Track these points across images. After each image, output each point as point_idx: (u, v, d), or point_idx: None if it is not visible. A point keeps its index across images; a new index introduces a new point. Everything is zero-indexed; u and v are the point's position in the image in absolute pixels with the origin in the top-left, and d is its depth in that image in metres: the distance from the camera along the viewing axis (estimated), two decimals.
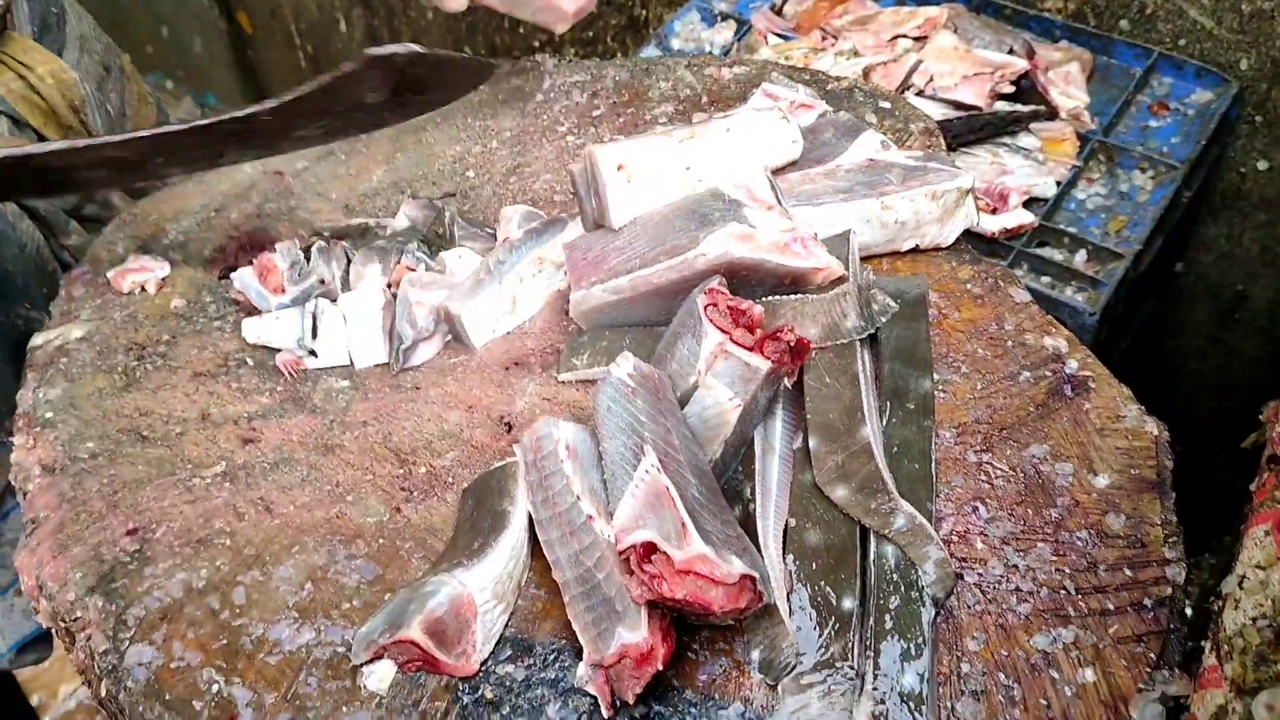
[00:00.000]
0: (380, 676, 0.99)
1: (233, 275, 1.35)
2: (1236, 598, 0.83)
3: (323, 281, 1.33)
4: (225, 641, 1.02)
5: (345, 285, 1.36)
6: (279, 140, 1.36)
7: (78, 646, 1.06)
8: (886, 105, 1.54)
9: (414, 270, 1.34)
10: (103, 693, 1.03)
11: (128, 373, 1.29)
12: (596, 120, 1.60)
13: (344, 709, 0.97)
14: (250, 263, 1.36)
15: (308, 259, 1.35)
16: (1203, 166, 1.92)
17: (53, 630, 1.12)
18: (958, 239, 1.36)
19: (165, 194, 1.57)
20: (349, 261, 1.37)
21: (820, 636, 0.98)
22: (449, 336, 1.32)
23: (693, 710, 0.96)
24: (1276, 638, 0.77)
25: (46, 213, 1.50)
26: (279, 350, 1.31)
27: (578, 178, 1.30)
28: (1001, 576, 1.03)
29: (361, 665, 1.00)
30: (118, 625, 1.04)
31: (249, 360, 1.31)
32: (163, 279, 1.41)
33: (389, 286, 1.34)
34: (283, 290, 1.32)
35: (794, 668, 0.97)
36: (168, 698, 0.98)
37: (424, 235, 1.42)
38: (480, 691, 0.98)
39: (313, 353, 1.30)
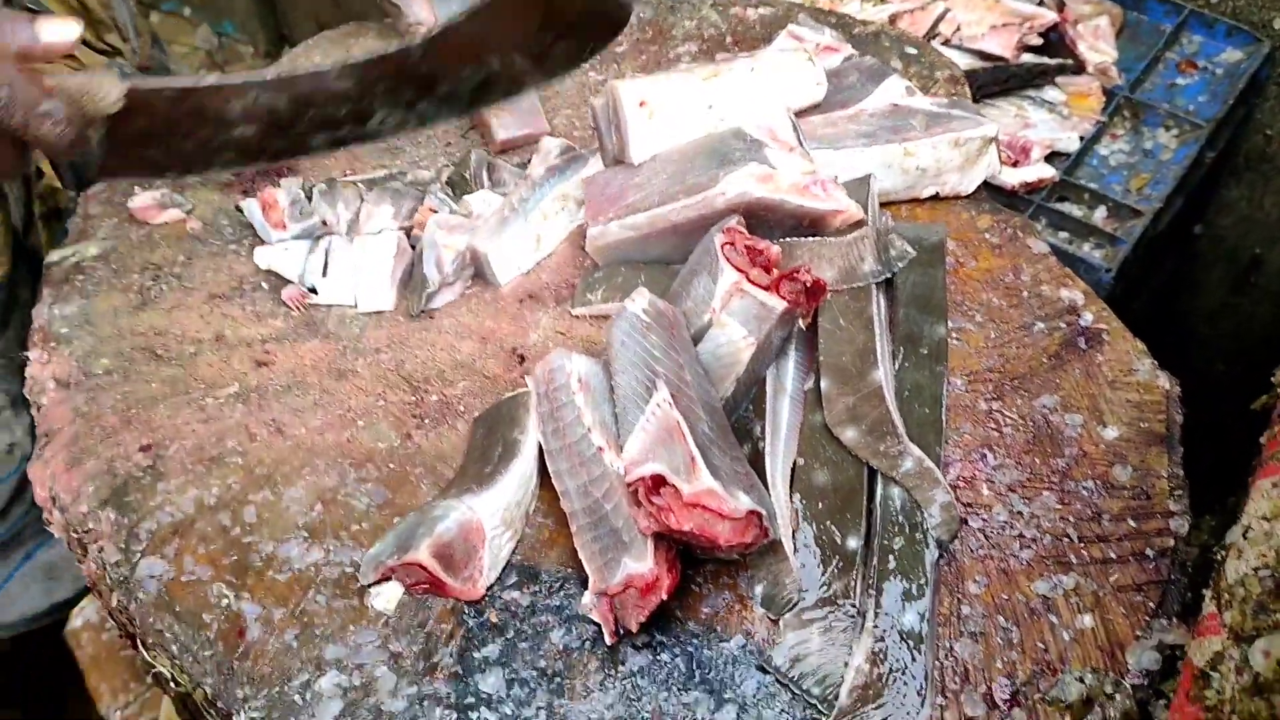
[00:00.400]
0: (387, 597, 1.01)
1: (241, 204, 1.35)
2: (1240, 547, 0.83)
3: (325, 223, 1.33)
4: (235, 557, 1.03)
5: (356, 225, 1.35)
6: (429, 92, 1.30)
7: (89, 558, 1.07)
8: (913, 51, 1.53)
9: (438, 213, 1.33)
10: (114, 603, 1.04)
11: (143, 292, 1.30)
12: (619, 56, 1.59)
13: (351, 627, 0.99)
14: (269, 185, 1.36)
15: (309, 199, 1.34)
16: (1228, 127, 1.89)
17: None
18: (977, 190, 1.35)
19: None
20: (361, 201, 1.36)
21: (823, 574, 0.99)
22: (470, 279, 1.32)
23: (695, 641, 0.97)
24: (1277, 587, 0.77)
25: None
26: (290, 281, 1.31)
27: (599, 113, 1.29)
28: (1006, 522, 1.04)
29: (369, 586, 1.01)
30: (130, 538, 1.05)
31: (264, 284, 1.31)
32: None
33: (409, 232, 1.33)
34: (283, 226, 1.32)
35: (796, 604, 0.98)
36: (178, 610, 1.00)
37: (449, 178, 1.41)
38: (485, 615, 1.00)
39: (314, 290, 1.30)
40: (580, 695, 0.94)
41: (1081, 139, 1.79)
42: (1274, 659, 0.75)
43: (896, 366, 1.13)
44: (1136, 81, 1.88)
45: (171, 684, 1.02)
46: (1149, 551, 1.01)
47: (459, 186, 1.39)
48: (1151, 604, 0.98)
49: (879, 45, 1.53)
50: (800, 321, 1.14)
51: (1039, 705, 0.92)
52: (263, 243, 1.35)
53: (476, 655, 0.97)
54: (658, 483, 0.93)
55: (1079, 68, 1.86)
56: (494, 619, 0.99)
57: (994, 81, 1.79)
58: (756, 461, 1.05)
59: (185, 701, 1.05)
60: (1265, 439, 0.96)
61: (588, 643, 0.97)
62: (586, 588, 0.98)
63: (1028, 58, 1.85)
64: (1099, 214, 1.72)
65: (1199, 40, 1.96)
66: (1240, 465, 1.12)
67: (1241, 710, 0.76)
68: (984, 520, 1.04)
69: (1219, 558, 0.88)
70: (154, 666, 1.02)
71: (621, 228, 1.23)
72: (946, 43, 1.83)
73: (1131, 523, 1.03)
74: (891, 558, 0.99)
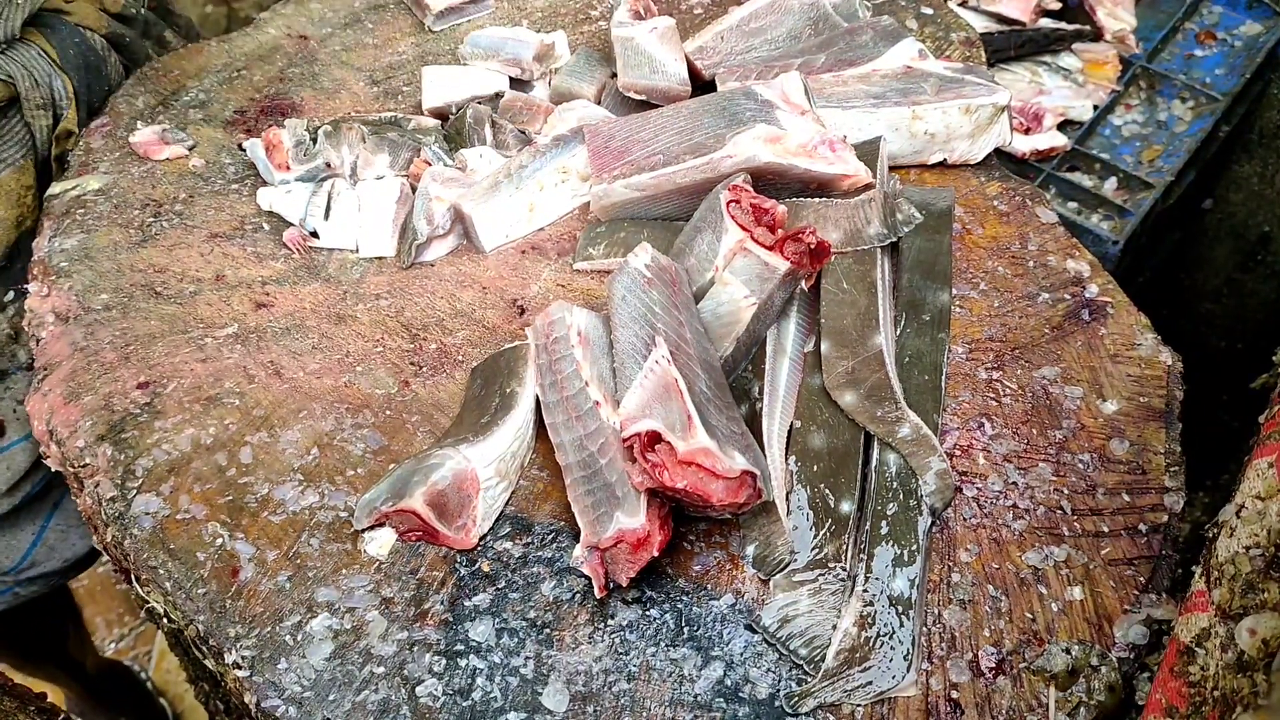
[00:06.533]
0: (381, 543, 1.01)
1: (244, 144, 1.34)
2: (1232, 526, 0.83)
3: (329, 165, 1.32)
4: (231, 498, 1.04)
5: (358, 169, 1.33)
6: None
7: (85, 493, 1.07)
8: (929, 11, 1.50)
9: (432, 165, 1.32)
10: (108, 538, 1.05)
11: (144, 228, 1.29)
12: None
13: (343, 571, 0.99)
14: (272, 125, 1.34)
15: (314, 140, 1.33)
16: (1244, 101, 1.87)
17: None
18: (987, 156, 1.33)
19: (188, 51, 1.55)
20: (363, 145, 1.34)
21: (816, 537, 1.00)
22: (464, 234, 1.31)
23: (685, 598, 0.98)
24: (1268, 566, 0.77)
25: (131, 39, 1.50)
26: (291, 223, 1.30)
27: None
28: (1000, 492, 1.04)
29: (363, 531, 1.01)
30: (126, 475, 1.05)
31: (265, 225, 1.30)
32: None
33: (408, 179, 1.32)
34: (287, 168, 1.31)
35: (787, 565, 0.98)
36: (172, 547, 1.00)
37: (445, 132, 1.39)
38: (477, 565, 1.00)
39: (315, 234, 1.29)
40: (569, 647, 0.95)
41: (1095, 108, 1.77)
42: (1259, 637, 0.75)
43: (898, 332, 1.13)
44: (1154, 51, 1.86)
45: (165, 620, 1.03)
46: (1142, 526, 1.01)
47: (455, 141, 1.37)
48: (1142, 579, 0.98)
49: (896, 4, 1.51)
50: (803, 283, 1.13)
51: (1024, 674, 0.93)
52: (265, 183, 1.34)
53: (467, 604, 0.97)
54: (653, 439, 0.93)
55: (1096, 35, 1.83)
56: (486, 568, 1.00)
57: (1010, 45, 1.77)
58: (753, 422, 1.05)
59: (178, 637, 1.06)
60: (1263, 419, 0.95)
61: (578, 595, 0.98)
62: (579, 541, 0.98)
63: (1045, 22, 1.82)
64: (1109, 185, 1.70)
65: (1219, 11, 1.93)
66: (1236, 442, 1.12)
67: (1224, 686, 0.77)
68: (979, 489, 1.04)
69: (1210, 535, 0.88)
70: (147, 602, 1.03)
71: (626, 188, 1.22)
72: (964, 4, 1.81)
73: (1126, 497, 1.03)
74: (884, 523, 0.99)
